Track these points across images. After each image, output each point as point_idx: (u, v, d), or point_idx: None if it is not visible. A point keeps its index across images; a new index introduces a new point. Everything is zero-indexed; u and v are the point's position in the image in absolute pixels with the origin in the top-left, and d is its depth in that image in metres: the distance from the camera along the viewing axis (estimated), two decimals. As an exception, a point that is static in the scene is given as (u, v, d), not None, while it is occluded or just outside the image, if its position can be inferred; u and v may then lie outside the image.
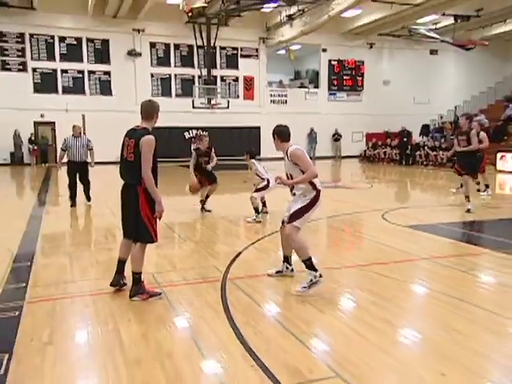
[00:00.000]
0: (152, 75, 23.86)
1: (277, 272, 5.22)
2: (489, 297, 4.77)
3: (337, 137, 26.64)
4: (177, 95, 24.16)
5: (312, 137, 25.99)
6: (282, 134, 5.14)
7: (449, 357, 3.34)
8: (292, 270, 5.24)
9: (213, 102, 23.50)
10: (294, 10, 21.03)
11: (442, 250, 6.42)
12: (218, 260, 5.84)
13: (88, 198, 10.61)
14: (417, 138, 24.06)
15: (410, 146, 22.56)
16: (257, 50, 25.42)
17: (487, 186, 10.79)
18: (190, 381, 3.06)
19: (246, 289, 4.74)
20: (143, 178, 4.27)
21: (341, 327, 3.88)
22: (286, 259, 5.22)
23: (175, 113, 23.25)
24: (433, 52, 27.11)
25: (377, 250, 6.38)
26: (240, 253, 6.15)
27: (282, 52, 27.16)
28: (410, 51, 26.76)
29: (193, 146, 10.56)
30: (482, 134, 9.92)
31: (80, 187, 10.52)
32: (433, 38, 22.93)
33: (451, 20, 22.17)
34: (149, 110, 4.55)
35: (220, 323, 3.90)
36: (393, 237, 7.14)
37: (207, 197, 9.56)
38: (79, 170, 10.27)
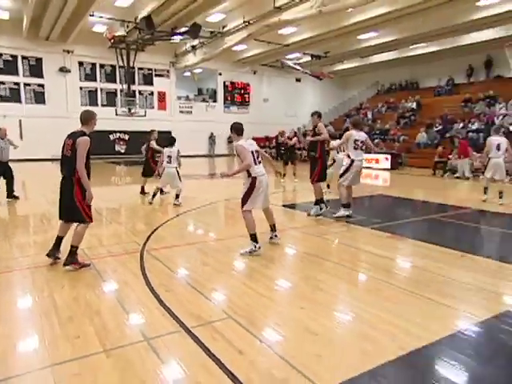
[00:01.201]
0: (81, 88, 21.85)
1: (270, 238, 5.17)
2: (336, 253, 5.14)
3: (231, 140, 26.69)
4: (102, 105, 22.40)
5: (212, 139, 25.89)
6: (234, 130, 4.83)
7: (307, 296, 3.56)
8: (276, 235, 5.18)
9: (133, 110, 22.25)
10: (196, 42, 20.56)
11: (303, 222, 6.73)
12: (138, 236, 5.58)
13: (10, 195, 8.66)
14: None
15: (282, 147, 23.42)
16: (168, 71, 24.44)
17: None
18: (114, 330, 2.91)
19: (160, 257, 4.60)
20: (77, 171, 4.05)
21: (234, 283, 3.94)
22: (271, 228, 5.17)
23: (101, 119, 21.46)
24: (297, 80, 28.27)
25: (261, 224, 6.51)
26: (156, 229, 5.94)
27: (188, 74, 26.52)
28: (282, 78, 27.64)
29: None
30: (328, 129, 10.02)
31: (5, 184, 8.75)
32: (297, 69, 23.84)
33: (309, 58, 23.31)
34: (86, 117, 4.40)
35: (139, 285, 3.75)
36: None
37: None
38: (5, 168, 8.54)
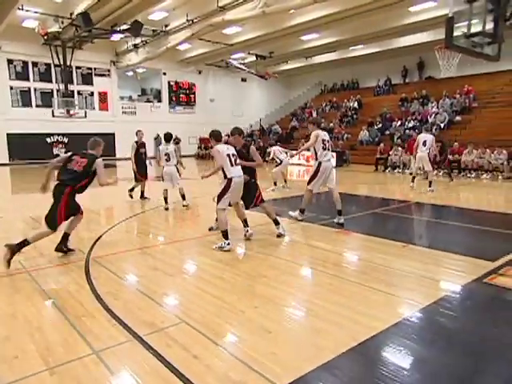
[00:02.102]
0: (11, 88, 20.21)
1: (245, 235, 5.52)
2: (287, 250, 5.23)
3: (177, 140, 26.19)
4: (37, 105, 20.91)
5: (158, 140, 25.18)
6: (214, 136, 5.28)
7: (261, 295, 3.59)
8: (247, 230, 5.53)
9: (71, 112, 21.03)
10: (138, 40, 19.88)
11: (255, 221, 6.74)
12: (82, 244, 5.28)
13: None
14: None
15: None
16: (109, 70, 23.36)
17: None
18: (59, 346, 2.72)
19: (107, 264, 4.39)
20: (100, 184, 4.76)
21: (186, 286, 3.86)
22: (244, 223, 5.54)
23: (36, 121, 20.32)
24: (243, 80, 28.41)
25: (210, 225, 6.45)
26: (101, 235, 5.67)
27: (131, 73, 25.61)
28: (227, 78, 27.62)
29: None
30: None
31: None
32: (242, 69, 24.02)
33: (254, 58, 23.51)
34: (93, 144, 5.05)
35: (85, 295, 3.55)
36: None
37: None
38: None
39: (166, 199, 7.92)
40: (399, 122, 18.71)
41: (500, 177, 12.37)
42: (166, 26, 18.00)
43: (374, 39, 19.70)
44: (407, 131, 17.73)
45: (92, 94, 22.87)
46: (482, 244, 5.33)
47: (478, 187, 10.96)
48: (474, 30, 6.15)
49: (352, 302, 3.39)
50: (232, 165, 5.04)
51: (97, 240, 5.42)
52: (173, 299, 3.55)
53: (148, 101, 26.07)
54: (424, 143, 9.39)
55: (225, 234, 5.00)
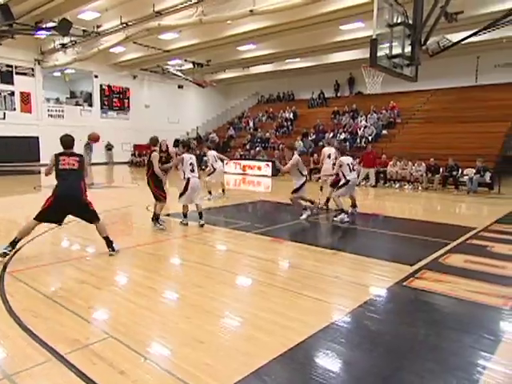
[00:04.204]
0: None
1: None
2: (221, 259, 5.25)
3: (109, 147, 25.11)
4: None
5: (88, 146, 23.79)
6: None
7: (193, 305, 3.56)
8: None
9: (-12, 112, 19.22)
10: (66, 40, 18.76)
11: (190, 230, 6.68)
12: (-4, 258, 4.83)
13: None
14: (171, 148, 24.65)
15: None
16: (32, 69, 21.71)
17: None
18: (-35, 374, 2.46)
19: (25, 279, 4.06)
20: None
21: (115, 298, 3.71)
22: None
23: None
24: (180, 86, 28.09)
25: (143, 235, 6.29)
26: (20, 248, 5.22)
27: (58, 74, 24.02)
28: (163, 84, 27.12)
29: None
30: None
31: None
32: (179, 76, 23.78)
33: (191, 65, 23.39)
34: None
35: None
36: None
37: None
38: None
39: (185, 215, 6.90)
40: (331, 134, 19.72)
41: (419, 187, 13.56)
42: (98, 26, 17.25)
43: (309, 54, 20.68)
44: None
45: (12, 93, 21.10)
46: (403, 250, 5.80)
47: (401, 196, 11.90)
48: (394, 51, 6.76)
49: (283, 308, 3.49)
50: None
51: (15, 252, 4.98)
52: (100, 313, 3.39)
53: (77, 104, 24.67)
54: (329, 156, 9.68)
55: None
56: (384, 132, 18.56)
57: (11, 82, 21.01)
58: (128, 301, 3.61)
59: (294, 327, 3.14)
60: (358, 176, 14.10)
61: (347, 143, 18.31)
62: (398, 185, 14.12)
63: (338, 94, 24.80)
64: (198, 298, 3.71)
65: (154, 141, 6.70)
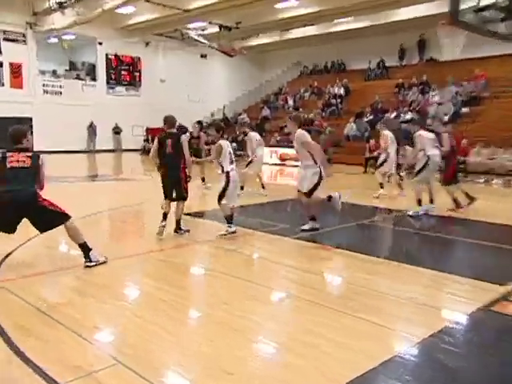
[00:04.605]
0: None
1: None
2: (253, 270, 5.26)
3: (117, 130, 25.81)
4: None
5: (92, 129, 24.64)
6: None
7: (219, 325, 3.59)
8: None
9: (-28, 88, 20.18)
10: (65, -2, 19.42)
11: (215, 233, 6.68)
12: (-16, 263, 5.06)
13: None
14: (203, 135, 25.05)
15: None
16: (24, 35, 22.52)
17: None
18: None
19: (18, 291, 4.21)
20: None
21: (122, 314, 3.79)
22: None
23: None
24: (203, 55, 28.39)
25: (157, 238, 6.38)
26: (12, 252, 5.46)
27: (55, 41, 24.83)
28: (182, 52, 27.45)
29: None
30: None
31: None
32: (201, 42, 24.00)
33: (216, 28, 23.55)
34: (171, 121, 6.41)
35: (-13, 333, 3.40)
36: (173, 224, 7.18)
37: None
38: None
39: (231, 217, 6.66)
40: (394, 113, 19.28)
41: (514, 182, 13.04)
42: (103, -20, 17.73)
43: (365, 11, 20.29)
44: (403, 125, 18.31)
45: (1, 64, 21.97)
46: (491, 264, 5.58)
47: (488, 194, 11.46)
48: (484, 2, 6.43)
49: (332, 333, 3.44)
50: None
51: (4, 258, 5.20)
52: (106, 333, 3.48)
53: (78, 78, 25.45)
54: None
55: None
56: (465, 110, 17.94)
57: (-1, 51, 21.86)
58: (139, 318, 3.68)
59: (344, 357, 3.09)
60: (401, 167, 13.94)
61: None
62: (483, 179, 13.62)
63: (404, 63, 24.22)
64: (224, 316, 3.73)
65: (171, 121, 6.42)
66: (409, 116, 18.66)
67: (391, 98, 21.02)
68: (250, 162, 10.05)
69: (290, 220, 7.77)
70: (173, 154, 6.15)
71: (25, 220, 4.75)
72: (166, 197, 6.37)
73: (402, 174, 11.15)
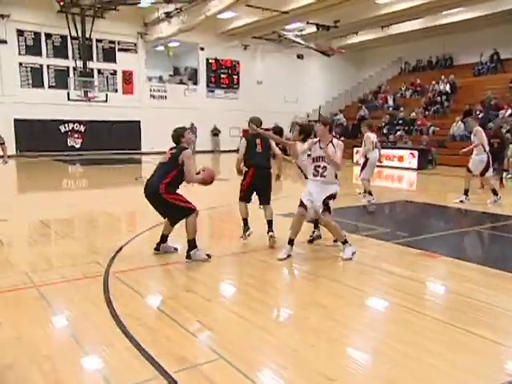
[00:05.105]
0: (21, 64, 21.54)
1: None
2: (352, 274, 5.14)
3: (216, 132, 26.83)
4: (50, 86, 22.22)
5: (193, 131, 25.83)
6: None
7: (317, 329, 3.56)
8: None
9: (90, 95, 22.16)
10: (171, 7, 20.62)
11: (308, 233, 6.60)
12: (99, 255, 5.51)
13: None
14: (287, 133, 25.32)
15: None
16: (135, 44, 24.45)
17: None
18: (70, 379, 2.86)
19: (130, 282, 4.56)
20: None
21: (225, 313, 3.92)
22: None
23: (49, 105, 21.55)
24: (299, 56, 28.46)
25: (255, 238, 6.49)
26: (122, 247, 5.90)
27: (161, 48, 26.50)
28: (279, 54, 27.80)
29: None
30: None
31: None
32: (299, 43, 24.01)
33: (314, 28, 23.50)
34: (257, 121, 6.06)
35: (102, 317, 3.70)
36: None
37: None
38: None
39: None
40: (509, 111, 17.81)
41: None
42: (206, -12, 18.49)
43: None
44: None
45: (115, 73, 23.98)
46: None
47: None
48: None
49: (440, 347, 3.25)
50: None
51: (118, 251, 5.63)
52: (209, 329, 3.61)
53: (181, 82, 26.86)
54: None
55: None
56: None
57: (114, 60, 23.88)
58: (240, 317, 3.78)
59: (454, 375, 2.90)
60: None
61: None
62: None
63: (523, 54, 22.23)
64: (321, 321, 3.70)
65: (258, 121, 6.14)
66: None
67: (506, 94, 19.42)
68: (364, 166, 9.31)
69: (390, 224, 7.53)
70: (263, 154, 6.04)
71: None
72: (243, 200, 6.16)
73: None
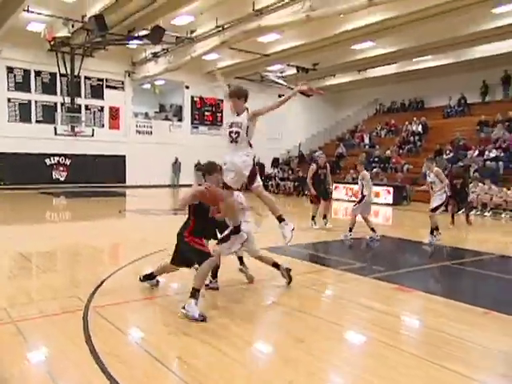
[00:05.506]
0: (9, 100, 21.56)
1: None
2: (329, 309, 5.12)
3: (199, 166, 26.92)
4: (37, 121, 22.15)
5: (176, 166, 25.93)
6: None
7: (294, 363, 3.51)
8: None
9: (77, 129, 22.15)
10: (158, 48, 20.99)
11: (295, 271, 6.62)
12: (80, 289, 5.37)
13: None
14: (269, 169, 25.63)
15: (263, 177, 24.07)
16: (123, 82, 24.67)
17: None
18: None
19: (111, 317, 4.43)
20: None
21: (204, 348, 3.82)
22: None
23: (35, 139, 21.42)
24: (280, 96, 28.88)
25: (235, 273, 6.42)
26: (104, 280, 5.77)
27: (148, 86, 26.82)
28: (262, 94, 28.05)
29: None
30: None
31: None
32: (280, 84, 24.61)
33: (294, 70, 24.13)
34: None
35: (81, 355, 3.57)
36: (251, 259, 7.18)
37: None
38: None
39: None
40: (477, 152, 18.34)
41: None
42: (192, 32, 18.91)
43: (445, 48, 19.82)
44: (487, 163, 17.33)
45: (102, 109, 24.08)
46: None
47: None
48: None
49: (413, 381, 3.23)
50: None
51: (99, 285, 5.50)
52: (188, 365, 3.52)
53: (167, 119, 27.08)
54: None
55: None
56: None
57: (101, 97, 24.02)
58: (219, 351, 3.70)
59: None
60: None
61: (500, 163, 16.84)
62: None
63: (487, 99, 23.11)
64: (299, 355, 3.65)
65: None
66: (493, 153, 17.66)
67: (473, 136, 20.04)
68: (360, 201, 9.37)
69: (366, 258, 7.55)
70: None
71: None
72: None
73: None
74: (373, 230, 9.26)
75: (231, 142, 5.43)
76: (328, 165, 11.06)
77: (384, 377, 3.31)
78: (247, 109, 5.67)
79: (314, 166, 10.63)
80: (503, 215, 14.18)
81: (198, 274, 4.61)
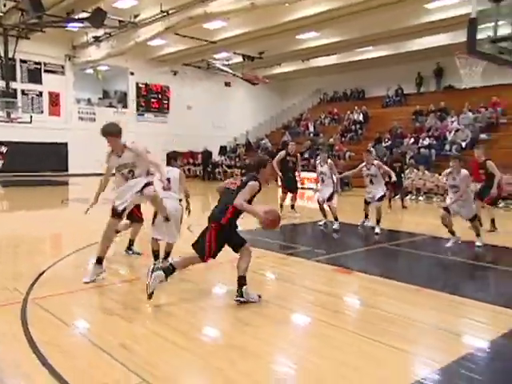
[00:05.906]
0: None
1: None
2: (274, 291, 5.19)
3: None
4: (-31, 107, 20.69)
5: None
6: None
7: (239, 346, 3.54)
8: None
9: (13, 115, 20.78)
10: (100, 32, 20.09)
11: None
12: (19, 281, 5.11)
13: None
14: (216, 157, 25.50)
15: (210, 164, 24.03)
16: (62, 66, 23.43)
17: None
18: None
19: (51, 308, 4.26)
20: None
21: (148, 335, 3.77)
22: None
23: (-32, 125, 20.02)
24: (227, 84, 28.85)
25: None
26: (44, 271, 5.53)
27: (91, 71, 25.70)
28: (208, 81, 27.95)
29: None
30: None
31: None
32: (226, 71, 24.48)
33: (241, 58, 24.00)
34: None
35: (19, 346, 3.43)
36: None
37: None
38: None
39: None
40: (412, 139, 19.14)
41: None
42: (136, 16, 18.28)
43: (384, 40, 20.42)
44: (422, 150, 18.13)
45: (40, 94, 22.81)
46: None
47: (507, 219, 11.16)
48: (501, 33, 6.35)
49: (355, 359, 3.35)
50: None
51: (39, 276, 5.27)
52: (131, 352, 3.46)
53: (111, 105, 26.14)
54: None
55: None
56: (483, 136, 17.64)
57: (39, 81, 22.73)
58: (163, 338, 3.66)
59: (366, 383, 3.00)
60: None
61: (432, 151, 17.68)
62: (502, 204, 13.27)
63: (421, 90, 24.13)
64: (245, 339, 3.68)
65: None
66: (426, 141, 18.50)
67: (409, 125, 20.89)
68: (333, 192, 9.48)
69: (310, 242, 7.72)
70: None
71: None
72: None
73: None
74: (325, 216, 9.33)
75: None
76: (299, 155, 11.23)
77: (326, 356, 3.41)
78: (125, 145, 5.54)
79: (283, 152, 10.83)
80: (434, 199, 14.92)
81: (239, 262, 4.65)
